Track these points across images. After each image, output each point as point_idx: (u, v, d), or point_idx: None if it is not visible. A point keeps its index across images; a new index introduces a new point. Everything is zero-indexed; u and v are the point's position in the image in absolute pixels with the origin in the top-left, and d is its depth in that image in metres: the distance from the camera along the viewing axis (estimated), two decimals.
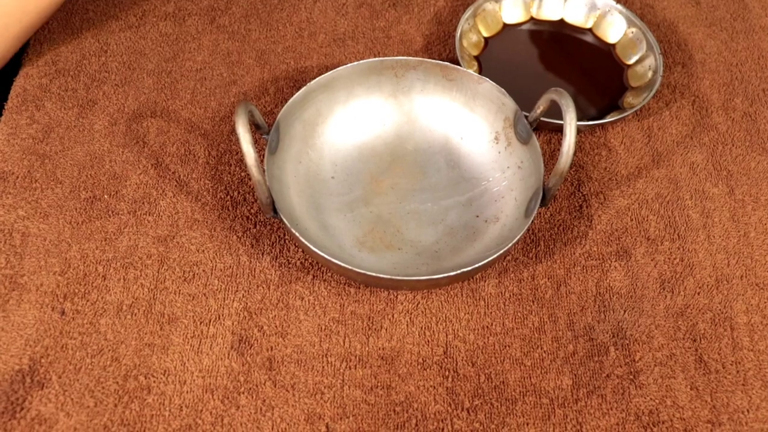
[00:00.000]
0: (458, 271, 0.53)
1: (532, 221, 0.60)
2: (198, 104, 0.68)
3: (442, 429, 0.53)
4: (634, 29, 0.72)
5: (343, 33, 0.74)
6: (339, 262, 0.53)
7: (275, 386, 0.54)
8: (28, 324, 0.55)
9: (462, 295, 0.59)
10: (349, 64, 0.62)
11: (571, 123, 0.53)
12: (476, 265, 0.54)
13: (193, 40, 0.72)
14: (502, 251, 0.55)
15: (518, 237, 0.55)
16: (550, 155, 0.66)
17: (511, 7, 0.74)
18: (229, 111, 0.67)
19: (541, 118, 0.63)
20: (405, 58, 0.63)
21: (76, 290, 0.57)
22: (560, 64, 0.72)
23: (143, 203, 0.62)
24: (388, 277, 0.53)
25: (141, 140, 0.65)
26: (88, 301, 0.57)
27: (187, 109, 0.67)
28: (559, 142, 0.66)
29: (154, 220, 0.61)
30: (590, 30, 0.75)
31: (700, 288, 0.60)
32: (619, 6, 0.73)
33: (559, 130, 0.66)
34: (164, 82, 0.68)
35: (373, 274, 0.53)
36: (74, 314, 0.56)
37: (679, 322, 0.58)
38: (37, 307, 0.56)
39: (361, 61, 0.62)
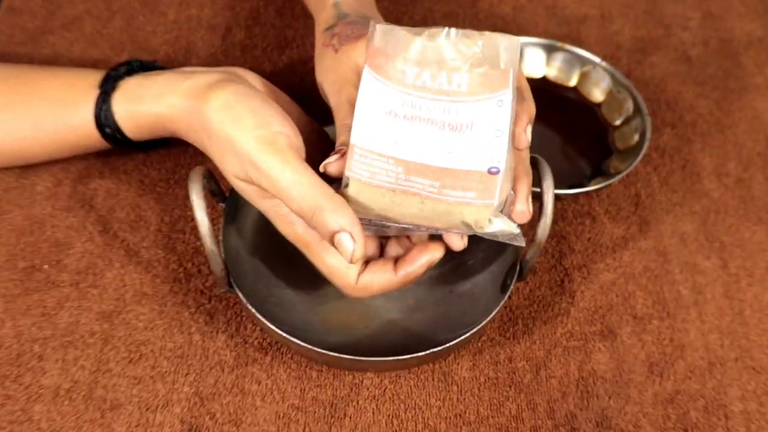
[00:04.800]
0: (427, 352, 0.52)
1: (509, 297, 0.59)
2: (152, 165, 0.66)
3: None
4: (620, 88, 0.71)
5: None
6: (298, 341, 0.52)
7: None
8: None
9: (433, 379, 0.57)
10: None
11: (548, 191, 0.53)
12: (447, 345, 0.53)
13: None
14: (475, 329, 0.53)
15: (494, 314, 0.55)
16: (529, 225, 0.64)
17: None
18: (186, 173, 0.65)
19: None
20: None
21: (8, 372, 0.55)
22: (541, 124, 0.70)
23: (87, 274, 0.60)
24: (351, 357, 0.52)
25: (87, 203, 0.63)
26: (21, 384, 0.54)
27: (139, 170, 0.65)
28: (539, 211, 0.65)
29: (98, 294, 0.59)
30: (574, 88, 0.74)
31: (691, 372, 0.59)
32: (604, 63, 0.73)
33: (539, 197, 0.64)
34: None
35: (336, 354, 0.52)
36: (4, 400, 0.53)
37: (669, 410, 0.57)
38: None
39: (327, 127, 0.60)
